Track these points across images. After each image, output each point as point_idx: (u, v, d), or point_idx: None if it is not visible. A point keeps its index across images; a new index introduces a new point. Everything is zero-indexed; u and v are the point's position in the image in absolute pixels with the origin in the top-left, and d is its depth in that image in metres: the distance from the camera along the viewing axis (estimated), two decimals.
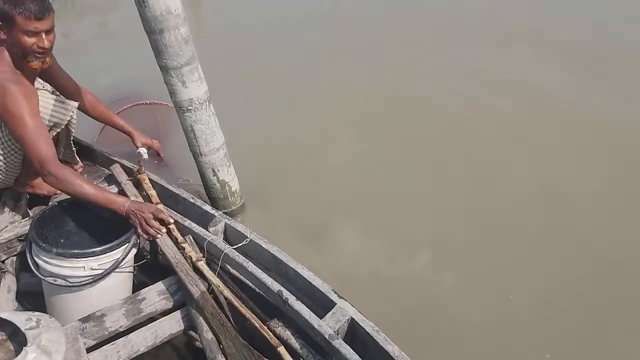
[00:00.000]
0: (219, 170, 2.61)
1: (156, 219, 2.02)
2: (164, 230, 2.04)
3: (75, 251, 1.92)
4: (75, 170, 2.56)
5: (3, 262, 2.19)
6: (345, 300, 1.73)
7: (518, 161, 3.34)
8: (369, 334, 1.61)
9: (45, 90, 2.32)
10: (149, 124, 3.39)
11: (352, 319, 1.67)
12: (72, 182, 1.99)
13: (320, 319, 1.67)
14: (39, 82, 2.33)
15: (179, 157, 2.98)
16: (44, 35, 1.99)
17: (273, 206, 2.71)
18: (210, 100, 2.44)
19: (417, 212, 2.93)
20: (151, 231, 2.01)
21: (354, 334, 1.67)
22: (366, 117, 3.94)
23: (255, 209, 2.84)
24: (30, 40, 1.97)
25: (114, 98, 3.81)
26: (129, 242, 2.02)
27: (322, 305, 1.75)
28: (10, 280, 2.14)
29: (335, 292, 1.76)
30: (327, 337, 1.61)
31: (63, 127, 2.31)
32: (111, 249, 1.96)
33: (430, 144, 3.55)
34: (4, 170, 2.30)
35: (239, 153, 2.91)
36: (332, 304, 1.73)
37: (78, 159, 2.56)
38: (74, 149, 2.47)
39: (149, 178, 2.43)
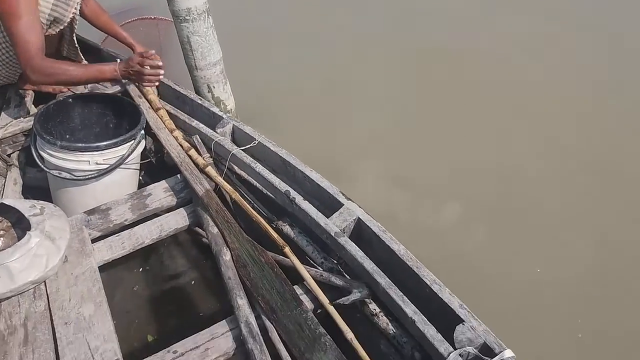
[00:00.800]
0: (214, 87, 2.50)
1: (147, 66, 1.98)
2: (162, 72, 2.01)
3: (80, 145, 1.89)
4: None
5: (9, 155, 2.17)
6: (353, 202, 1.70)
7: (555, 114, 3.18)
8: (375, 233, 1.59)
9: None
10: (152, 40, 3.29)
11: (359, 218, 1.64)
12: (58, 71, 1.91)
13: (327, 218, 1.65)
14: None
15: (179, 75, 2.85)
16: None
17: (271, 133, 2.62)
18: (209, 12, 2.30)
19: (443, 164, 2.79)
20: (152, 79, 2.00)
21: (360, 234, 1.65)
22: (403, 58, 3.60)
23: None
24: None
25: (118, 9, 3.67)
26: (134, 139, 1.98)
27: (329, 207, 1.73)
28: (16, 174, 2.13)
29: (343, 194, 1.73)
30: (332, 235, 1.59)
31: (66, 24, 2.22)
32: (116, 145, 1.93)
33: (467, 95, 3.34)
34: (7, 65, 2.23)
35: (237, 71, 2.75)
36: (340, 205, 1.70)
37: (82, 56, 2.47)
38: (76, 46, 2.39)
39: None
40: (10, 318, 1.45)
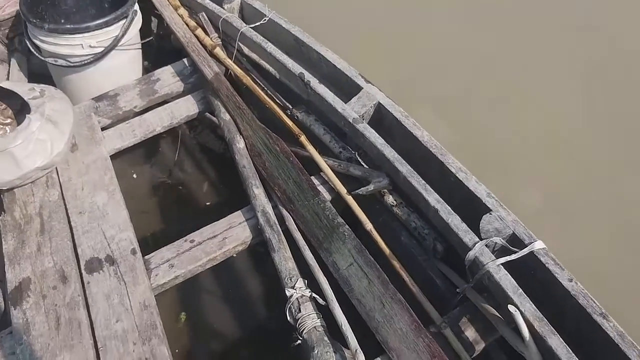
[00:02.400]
0: None
1: None
2: None
3: (69, 26, 1.74)
4: None
5: (11, 39, 2.04)
6: (373, 85, 1.57)
7: None
8: (396, 118, 1.48)
9: None
10: None
11: (379, 103, 1.53)
12: None
13: (345, 104, 1.54)
14: None
15: None
16: None
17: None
18: None
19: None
20: None
21: (380, 120, 1.55)
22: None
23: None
24: None
25: None
26: (125, 17, 1.81)
27: (347, 91, 1.60)
28: (19, 59, 2.02)
29: (362, 77, 1.60)
30: (351, 121, 1.49)
31: None
32: (107, 24, 1.77)
33: None
34: None
35: None
36: (359, 89, 1.57)
37: None
38: None
39: None
40: (26, 207, 1.44)
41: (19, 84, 1.58)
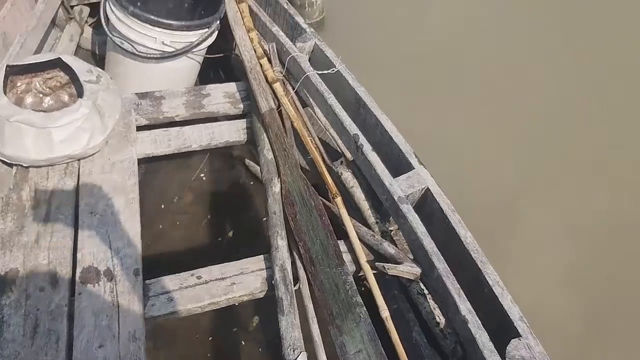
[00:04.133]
0: None
1: None
2: None
3: (152, 17, 1.69)
4: None
5: (72, 7, 1.98)
6: (425, 168, 1.50)
7: None
8: (442, 210, 1.40)
9: None
10: None
11: (428, 189, 1.45)
12: None
13: (393, 178, 1.46)
14: None
15: None
16: None
17: (356, 37, 2.18)
18: None
19: None
20: None
21: (424, 205, 1.47)
22: None
23: (334, 32, 2.34)
24: None
25: None
26: (209, 27, 1.77)
27: (397, 166, 1.53)
28: (74, 30, 1.96)
29: (416, 156, 1.53)
30: (395, 199, 1.41)
31: None
32: (189, 29, 1.74)
33: None
34: None
35: None
36: (409, 167, 1.50)
37: None
38: None
39: None
40: (36, 189, 1.34)
41: (78, 61, 1.50)
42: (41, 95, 1.57)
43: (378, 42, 2.53)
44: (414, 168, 1.50)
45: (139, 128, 1.64)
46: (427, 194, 1.47)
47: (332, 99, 1.66)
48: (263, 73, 1.75)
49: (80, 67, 1.47)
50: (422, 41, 2.61)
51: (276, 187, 1.49)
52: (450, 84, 2.59)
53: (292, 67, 1.79)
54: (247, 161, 1.79)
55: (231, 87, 1.80)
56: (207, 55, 1.91)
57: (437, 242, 1.34)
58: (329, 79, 1.76)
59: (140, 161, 1.54)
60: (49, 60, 1.48)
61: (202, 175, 2.00)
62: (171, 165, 2.00)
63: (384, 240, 1.42)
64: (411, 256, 1.39)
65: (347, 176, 1.59)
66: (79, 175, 1.39)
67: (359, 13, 2.57)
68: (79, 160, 1.42)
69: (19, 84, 1.53)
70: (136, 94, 1.70)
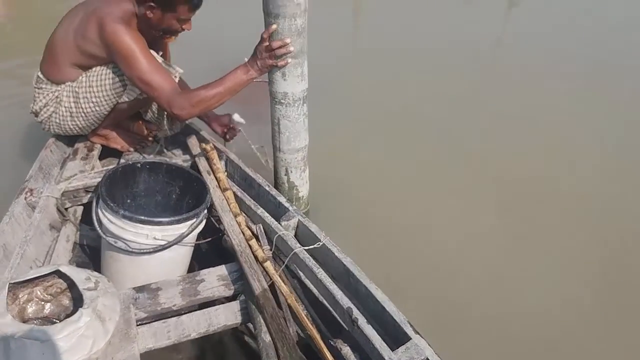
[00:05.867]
0: (291, 172, 2.43)
1: (272, 50, 1.98)
2: (285, 51, 1.99)
3: (142, 217, 1.82)
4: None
5: (66, 209, 2.12)
6: (422, 337, 1.56)
7: None
8: None
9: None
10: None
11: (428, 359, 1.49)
12: (201, 97, 2.00)
13: (392, 352, 1.50)
14: None
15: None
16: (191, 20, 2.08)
17: (337, 225, 2.39)
18: (305, 100, 2.24)
19: None
20: (280, 63, 2.02)
21: None
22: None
23: (317, 221, 2.52)
24: (179, 25, 2.07)
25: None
26: (197, 217, 1.91)
27: (393, 336, 1.58)
28: (70, 230, 2.07)
29: (411, 325, 1.59)
30: None
31: None
32: (178, 222, 1.86)
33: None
34: (89, 118, 2.25)
35: (318, 156, 2.62)
36: (406, 338, 1.55)
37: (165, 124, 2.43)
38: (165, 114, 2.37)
39: (228, 156, 2.33)
40: None
41: (75, 270, 1.58)
42: (42, 302, 1.62)
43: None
44: (411, 338, 1.55)
45: (139, 322, 1.67)
46: None
47: (321, 273, 1.75)
48: (253, 254, 1.85)
49: (79, 276, 1.55)
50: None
51: None
52: None
53: (280, 245, 1.91)
54: (248, 324, 1.80)
55: (224, 269, 1.89)
56: (198, 242, 2.02)
57: None
58: (317, 251, 1.87)
59: (143, 356, 1.56)
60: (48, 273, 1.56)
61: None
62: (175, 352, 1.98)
63: None
64: None
65: (347, 351, 1.62)
66: None
67: (343, 205, 2.83)
68: None
69: (20, 296, 1.59)
70: (134, 288, 1.76)
